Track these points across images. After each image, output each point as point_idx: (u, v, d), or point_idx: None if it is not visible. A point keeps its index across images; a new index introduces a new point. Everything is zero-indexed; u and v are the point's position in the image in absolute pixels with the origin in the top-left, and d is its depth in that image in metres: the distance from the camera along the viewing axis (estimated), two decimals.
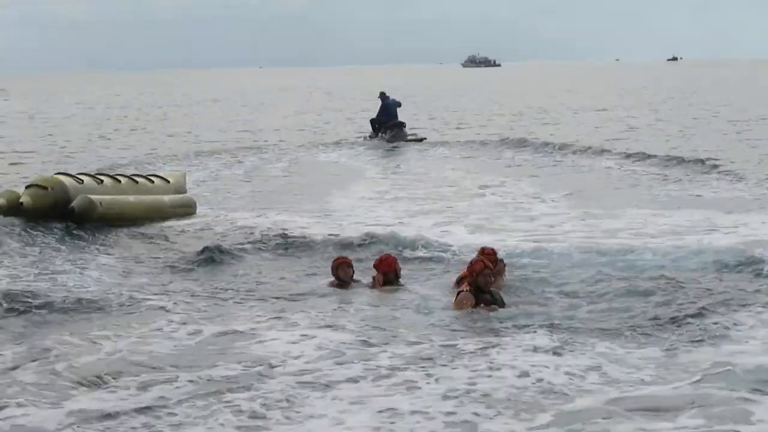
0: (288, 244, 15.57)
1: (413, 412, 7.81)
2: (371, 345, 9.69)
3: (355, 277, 12.48)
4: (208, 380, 8.59)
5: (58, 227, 16.55)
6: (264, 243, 15.70)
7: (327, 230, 16.71)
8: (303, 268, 14.11)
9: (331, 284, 12.41)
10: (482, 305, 10.78)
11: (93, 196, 17.12)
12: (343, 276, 12.29)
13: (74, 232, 16.48)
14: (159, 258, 14.84)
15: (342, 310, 11.25)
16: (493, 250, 12.18)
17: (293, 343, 9.82)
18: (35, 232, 16.25)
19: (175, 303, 11.71)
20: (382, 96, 36.04)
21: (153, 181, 19.23)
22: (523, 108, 58.71)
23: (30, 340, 10.00)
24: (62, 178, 17.55)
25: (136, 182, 18.77)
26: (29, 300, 11.55)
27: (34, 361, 9.28)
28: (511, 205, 20.08)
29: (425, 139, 35.93)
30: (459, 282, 11.73)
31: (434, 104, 65.50)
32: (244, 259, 14.70)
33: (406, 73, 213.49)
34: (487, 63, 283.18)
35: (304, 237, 16.01)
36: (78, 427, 7.58)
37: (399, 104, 36.45)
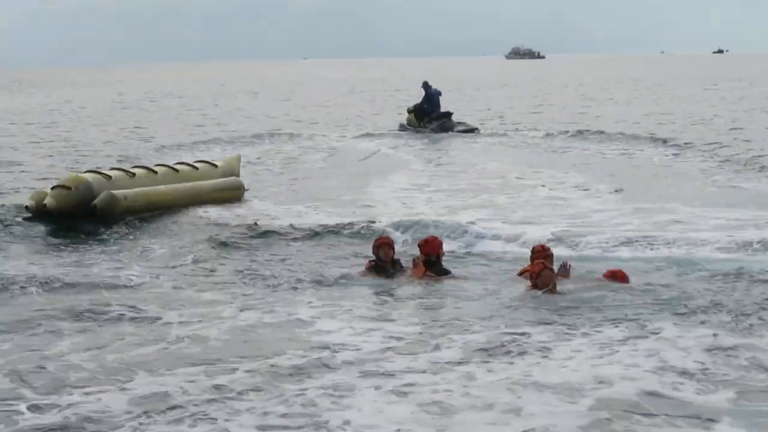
0: (327, 233, 15.56)
1: (459, 407, 7.72)
2: (432, 336, 9.66)
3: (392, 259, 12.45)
4: (266, 369, 8.60)
5: (100, 221, 16.64)
6: (304, 231, 15.67)
7: (365, 219, 16.53)
8: (347, 256, 14.10)
9: (369, 264, 12.37)
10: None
11: (116, 191, 17.07)
12: (383, 256, 12.22)
13: (116, 225, 16.50)
14: (201, 247, 14.74)
15: (397, 299, 11.27)
16: (542, 246, 11.86)
17: (355, 334, 9.78)
18: (79, 225, 16.37)
19: (226, 291, 11.79)
20: (426, 86, 35.84)
21: (197, 168, 19.22)
22: (569, 99, 58.16)
23: (87, 329, 10.04)
24: (87, 176, 17.50)
25: (176, 171, 18.75)
26: (81, 290, 11.68)
27: (90, 350, 9.30)
28: (559, 197, 19.69)
29: (477, 129, 35.52)
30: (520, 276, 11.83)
31: (478, 95, 64.94)
32: (285, 247, 14.73)
33: (451, 64, 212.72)
34: (531, 55, 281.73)
35: (343, 226, 15.91)
36: (141, 414, 7.62)
37: (440, 93, 36.15)
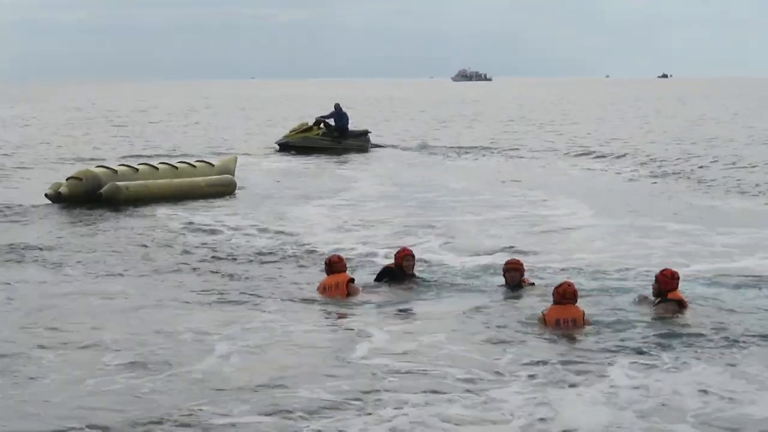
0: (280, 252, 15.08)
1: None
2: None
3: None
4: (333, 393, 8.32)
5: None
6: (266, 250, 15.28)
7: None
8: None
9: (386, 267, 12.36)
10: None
11: (120, 183, 19.97)
12: (407, 268, 12.31)
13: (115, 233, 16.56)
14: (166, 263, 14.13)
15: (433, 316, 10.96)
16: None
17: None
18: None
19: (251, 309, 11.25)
20: (338, 107, 36.81)
21: (195, 166, 22.11)
22: (518, 119, 58.07)
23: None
24: (95, 169, 20.79)
25: (176, 168, 21.62)
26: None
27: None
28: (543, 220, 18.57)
29: (369, 132, 37.16)
30: None
31: (423, 116, 63.73)
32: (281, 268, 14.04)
33: (397, 86, 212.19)
34: (477, 77, 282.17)
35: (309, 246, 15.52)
36: None
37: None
